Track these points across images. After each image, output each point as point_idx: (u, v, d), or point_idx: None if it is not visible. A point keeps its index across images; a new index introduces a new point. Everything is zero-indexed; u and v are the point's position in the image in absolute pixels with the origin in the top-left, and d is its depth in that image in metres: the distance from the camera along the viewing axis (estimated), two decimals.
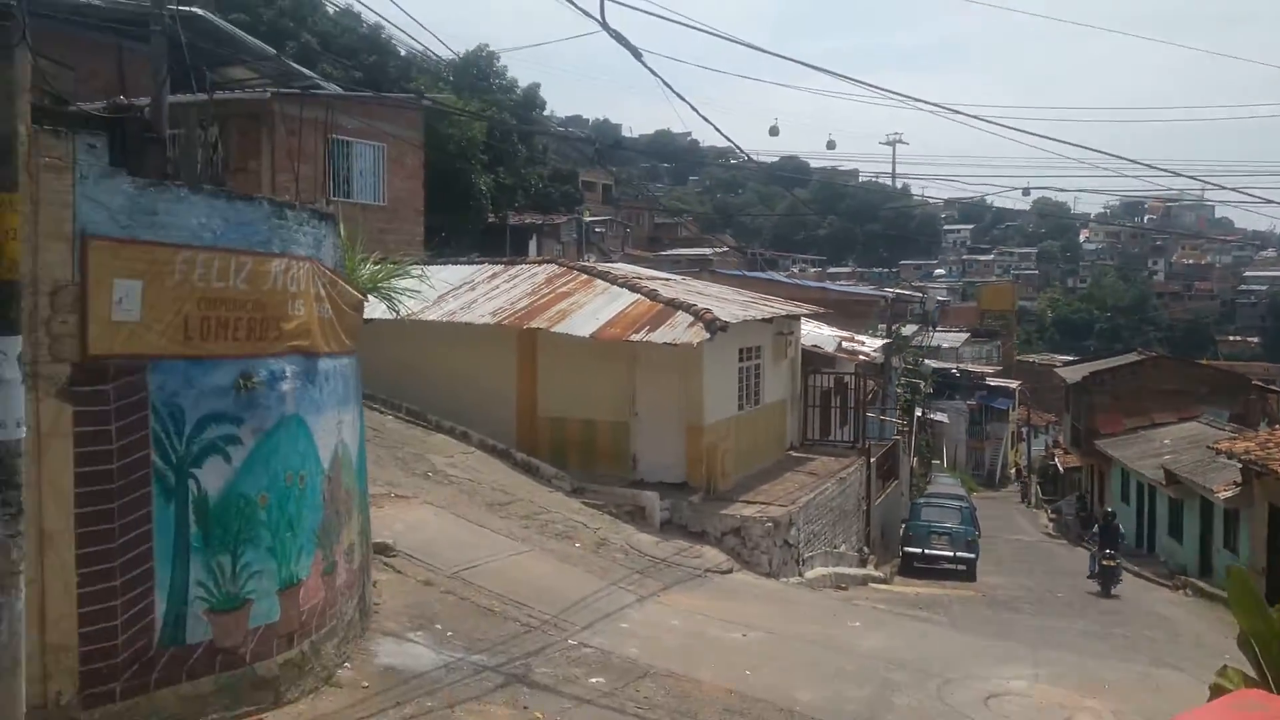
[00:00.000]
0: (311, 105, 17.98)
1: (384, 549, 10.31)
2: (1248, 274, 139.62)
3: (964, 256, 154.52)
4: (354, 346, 8.45)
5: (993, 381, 63.48)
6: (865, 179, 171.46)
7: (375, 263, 10.19)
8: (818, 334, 20.73)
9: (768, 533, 13.52)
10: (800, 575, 14.29)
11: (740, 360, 16.13)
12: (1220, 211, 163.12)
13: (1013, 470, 64.81)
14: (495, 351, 15.39)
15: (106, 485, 5.89)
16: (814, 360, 19.71)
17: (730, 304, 15.99)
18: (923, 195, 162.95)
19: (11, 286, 4.88)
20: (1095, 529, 22.02)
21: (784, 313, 17.80)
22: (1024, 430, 63.55)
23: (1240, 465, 20.19)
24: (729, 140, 14.89)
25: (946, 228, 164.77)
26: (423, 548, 10.82)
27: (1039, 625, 14.28)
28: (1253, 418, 33.47)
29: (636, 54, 9.66)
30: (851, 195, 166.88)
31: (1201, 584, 21.26)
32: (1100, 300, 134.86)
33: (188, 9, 14.59)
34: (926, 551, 21.44)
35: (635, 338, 13.86)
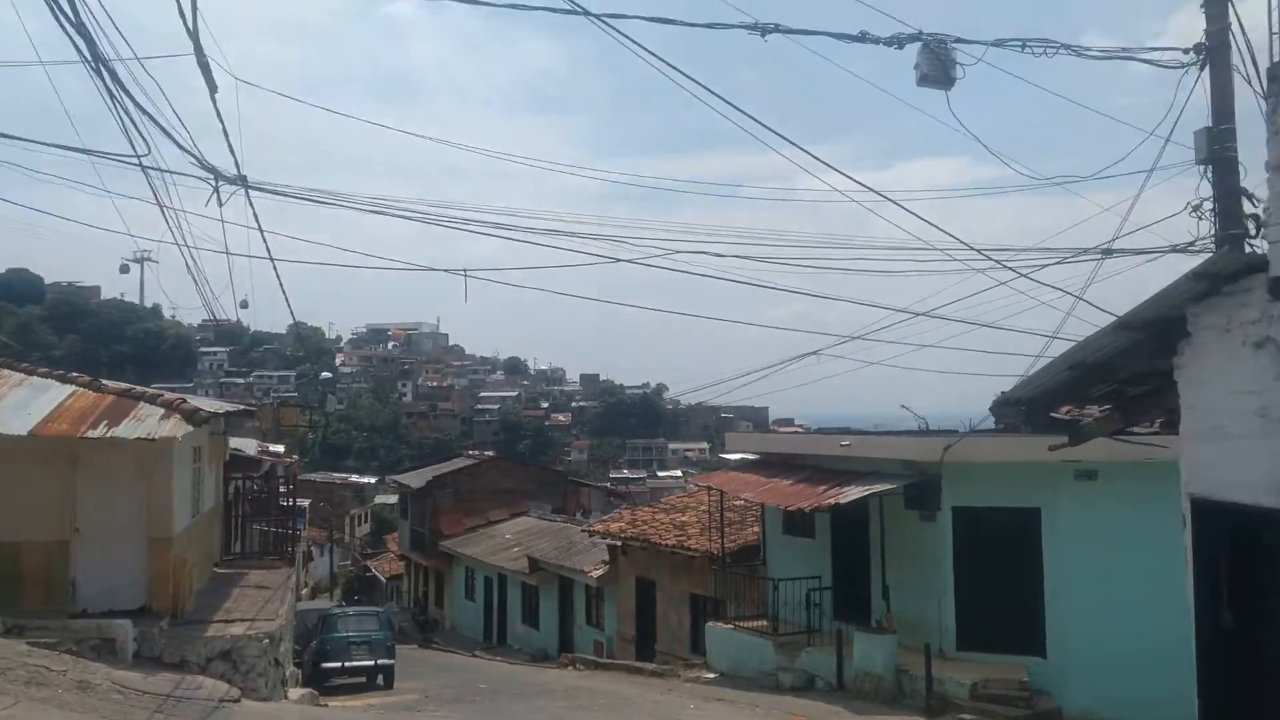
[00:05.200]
0: None
1: None
2: (483, 395, 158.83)
3: (221, 380, 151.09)
4: None
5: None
6: (111, 297, 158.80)
7: None
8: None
9: (264, 651, 11.92)
10: (286, 696, 12.83)
11: (194, 462, 14.07)
12: (454, 339, 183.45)
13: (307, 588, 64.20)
14: None
15: None
16: (238, 465, 17.83)
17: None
18: (173, 315, 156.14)
19: None
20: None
21: (240, 408, 16.02)
22: (316, 549, 63.64)
23: (608, 545, 23.02)
24: None
25: (203, 350, 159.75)
26: None
27: (542, 706, 14.36)
28: (570, 509, 38.15)
29: None
30: (95, 313, 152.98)
31: (589, 656, 23.14)
32: (358, 420, 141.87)
33: None
34: (348, 665, 19.92)
35: (94, 434, 11.40)
